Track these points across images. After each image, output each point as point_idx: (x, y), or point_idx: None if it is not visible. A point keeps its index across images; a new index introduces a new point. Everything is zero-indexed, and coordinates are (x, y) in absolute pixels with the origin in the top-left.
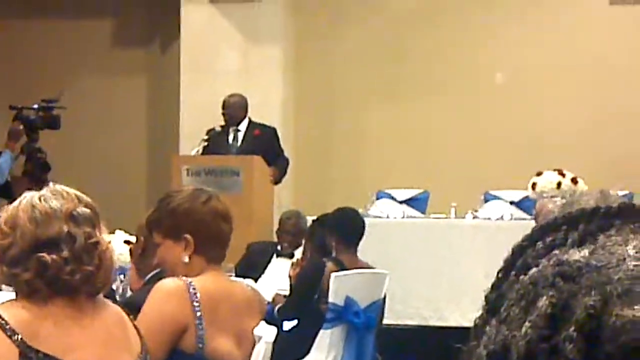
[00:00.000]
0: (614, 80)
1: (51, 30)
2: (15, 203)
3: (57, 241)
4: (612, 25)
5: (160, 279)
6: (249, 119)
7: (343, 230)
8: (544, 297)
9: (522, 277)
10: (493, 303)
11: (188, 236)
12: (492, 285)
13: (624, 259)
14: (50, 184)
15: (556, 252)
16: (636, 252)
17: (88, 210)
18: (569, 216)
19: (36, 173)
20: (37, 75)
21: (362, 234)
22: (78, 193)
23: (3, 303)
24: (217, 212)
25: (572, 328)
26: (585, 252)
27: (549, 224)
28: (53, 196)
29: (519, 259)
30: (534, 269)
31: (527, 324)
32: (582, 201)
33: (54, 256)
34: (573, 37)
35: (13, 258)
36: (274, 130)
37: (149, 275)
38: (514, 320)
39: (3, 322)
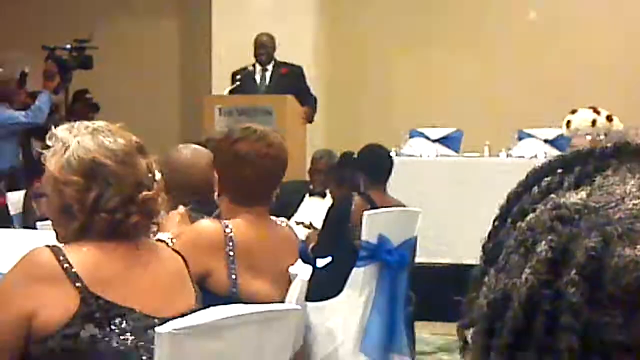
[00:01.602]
0: None
1: None
2: (68, 151)
3: (143, 178)
4: None
5: (201, 211)
6: (275, 58)
7: (370, 166)
8: (543, 242)
9: (519, 223)
10: (490, 252)
11: (216, 174)
12: (489, 234)
13: (623, 198)
14: (75, 124)
15: (553, 195)
16: (635, 191)
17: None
18: (564, 159)
19: (86, 113)
20: (69, 16)
21: (390, 171)
22: (112, 126)
23: (71, 245)
24: (238, 154)
25: (574, 271)
26: (583, 194)
27: (543, 168)
28: (103, 133)
29: (515, 205)
30: (531, 215)
31: (527, 270)
32: (630, 136)
33: (150, 192)
34: None
35: (116, 206)
36: (300, 68)
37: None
38: (513, 267)
39: (69, 266)
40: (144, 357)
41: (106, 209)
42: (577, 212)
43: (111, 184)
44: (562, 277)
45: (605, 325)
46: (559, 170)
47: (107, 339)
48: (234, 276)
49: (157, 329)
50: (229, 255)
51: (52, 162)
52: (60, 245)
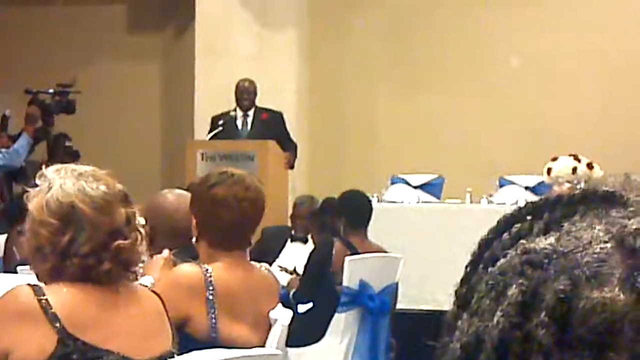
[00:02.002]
0: (631, 66)
1: (67, 15)
2: (42, 193)
3: (121, 226)
4: (629, 11)
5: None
6: (255, 104)
7: (350, 211)
8: (514, 286)
9: (490, 269)
10: (463, 297)
11: (193, 219)
12: (461, 280)
13: (590, 242)
14: (58, 166)
15: (523, 241)
16: (602, 236)
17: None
18: (533, 206)
19: (65, 161)
20: (53, 60)
21: (370, 216)
22: (100, 171)
23: (51, 286)
24: (215, 198)
25: (543, 314)
26: (552, 239)
27: (513, 215)
28: (87, 179)
29: (486, 251)
30: (502, 260)
31: (498, 313)
32: (605, 184)
33: (126, 241)
34: (589, 22)
35: (88, 252)
36: (280, 114)
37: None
38: (485, 311)
39: (48, 306)
40: None
41: (78, 253)
42: (546, 256)
43: (85, 230)
44: (532, 319)
45: None
46: (529, 217)
47: None
48: (213, 320)
49: None
50: (209, 299)
51: (33, 201)
52: (41, 284)
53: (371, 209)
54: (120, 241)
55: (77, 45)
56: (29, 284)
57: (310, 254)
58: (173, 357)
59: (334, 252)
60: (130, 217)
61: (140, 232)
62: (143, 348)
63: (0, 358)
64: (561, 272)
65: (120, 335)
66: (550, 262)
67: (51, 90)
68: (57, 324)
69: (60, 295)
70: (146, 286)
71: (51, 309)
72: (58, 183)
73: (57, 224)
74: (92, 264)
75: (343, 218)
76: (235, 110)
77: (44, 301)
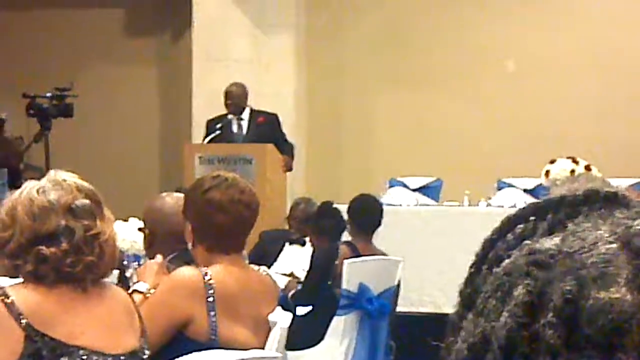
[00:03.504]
0: (628, 68)
1: (64, 19)
2: (16, 194)
3: (55, 235)
4: (626, 13)
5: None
6: (250, 107)
7: (360, 217)
8: (520, 286)
9: (495, 269)
10: (468, 298)
11: (189, 224)
12: (465, 280)
13: (595, 243)
14: (52, 171)
15: (527, 242)
16: (607, 236)
17: (87, 202)
18: (537, 206)
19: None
20: (50, 64)
21: (378, 222)
22: (79, 182)
23: (13, 285)
24: (211, 203)
25: (551, 314)
26: (557, 239)
27: (516, 216)
28: (53, 187)
29: (490, 252)
30: (507, 260)
31: (505, 313)
32: (573, 188)
33: (53, 249)
34: (586, 23)
35: (13, 251)
36: (276, 116)
37: (168, 258)
38: (491, 311)
39: (11, 304)
40: None
41: (6, 252)
42: (552, 257)
43: (17, 232)
44: (540, 319)
45: None
46: (532, 218)
47: None
48: (214, 323)
49: None
50: (209, 302)
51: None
52: (4, 285)
53: (381, 215)
54: (41, 247)
55: (74, 50)
56: None
57: (314, 257)
58: (143, 354)
59: (339, 256)
60: (73, 229)
61: (102, 247)
62: (112, 344)
63: None
64: (567, 272)
65: (88, 332)
66: (556, 263)
67: (49, 94)
68: (23, 322)
69: (22, 293)
70: (142, 292)
71: (15, 307)
72: (30, 186)
73: (5, 220)
74: (19, 264)
75: (351, 222)
76: (226, 114)
77: (7, 300)
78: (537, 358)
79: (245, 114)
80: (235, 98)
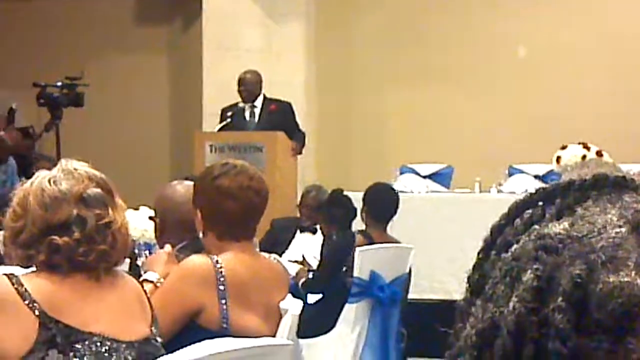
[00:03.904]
0: (637, 54)
1: (74, 8)
2: (27, 184)
3: (67, 224)
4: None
5: (187, 252)
6: (264, 95)
7: (376, 206)
8: (529, 271)
9: (503, 255)
10: (476, 283)
11: (198, 212)
12: (473, 266)
13: (605, 227)
14: (63, 161)
15: (535, 227)
16: (616, 220)
17: (99, 190)
18: (545, 191)
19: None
20: (60, 53)
21: (394, 212)
22: (90, 171)
23: (26, 274)
24: (221, 189)
25: (560, 298)
26: (565, 224)
27: (524, 201)
28: (64, 177)
29: (498, 237)
30: (515, 246)
31: (514, 299)
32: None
33: (66, 238)
34: (598, 10)
35: (26, 241)
36: (289, 104)
37: (175, 249)
38: (500, 297)
39: (25, 292)
40: None
41: (19, 242)
42: (560, 241)
43: (28, 221)
44: (549, 304)
45: (593, 350)
46: (540, 203)
47: None
48: (225, 311)
49: None
50: (220, 289)
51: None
52: (17, 273)
53: (397, 205)
54: (53, 237)
55: (85, 38)
56: (4, 274)
57: (328, 246)
58: (155, 341)
59: (354, 245)
60: (85, 219)
61: (114, 236)
62: (125, 331)
63: None
64: (576, 256)
65: (101, 319)
66: (564, 247)
67: (59, 83)
68: (37, 309)
69: (35, 281)
70: (152, 281)
71: (29, 295)
72: (42, 175)
73: (19, 210)
74: (31, 253)
75: (367, 210)
76: (243, 102)
77: (21, 289)
78: (546, 343)
79: (259, 102)
80: (249, 85)
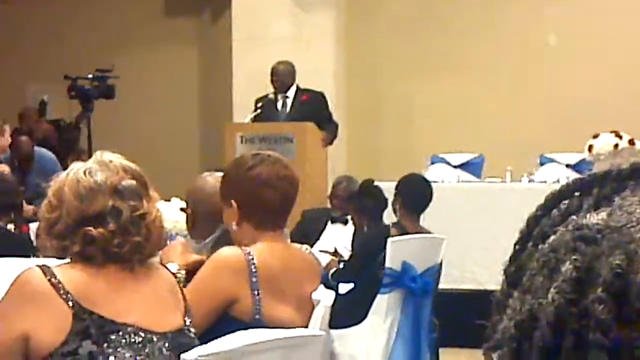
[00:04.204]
0: None
1: (105, 2)
2: (63, 175)
3: (102, 215)
4: None
5: (221, 243)
6: (297, 85)
7: (409, 197)
8: (568, 262)
9: (540, 246)
10: (513, 275)
11: (233, 202)
12: (510, 258)
13: None
14: (98, 153)
15: (573, 217)
16: None
17: (134, 182)
18: (581, 182)
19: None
20: (91, 46)
21: (427, 203)
22: (125, 162)
23: (59, 265)
24: (258, 179)
25: (600, 289)
26: (603, 214)
27: (561, 191)
28: (99, 168)
29: (534, 228)
30: (553, 237)
31: (552, 290)
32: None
33: (101, 230)
34: None
35: (61, 232)
36: (322, 95)
37: (208, 240)
38: (538, 288)
39: (59, 284)
40: None
41: (54, 233)
42: (599, 231)
43: (64, 213)
44: (588, 295)
45: (635, 340)
46: (577, 193)
47: (105, 354)
48: (258, 302)
49: (182, 355)
50: (252, 281)
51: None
52: (50, 264)
53: (431, 196)
54: (88, 228)
55: (115, 31)
56: (38, 265)
57: (358, 236)
58: (189, 332)
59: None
60: (120, 210)
61: (148, 228)
62: (159, 322)
63: (19, 344)
64: (615, 247)
65: (135, 311)
66: (603, 238)
67: (90, 76)
68: (70, 301)
69: (69, 273)
70: (173, 273)
71: (63, 286)
72: (77, 167)
73: (53, 202)
74: (66, 244)
75: (400, 201)
76: (275, 92)
77: (54, 280)
78: (587, 334)
79: (291, 92)
80: (281, 75)
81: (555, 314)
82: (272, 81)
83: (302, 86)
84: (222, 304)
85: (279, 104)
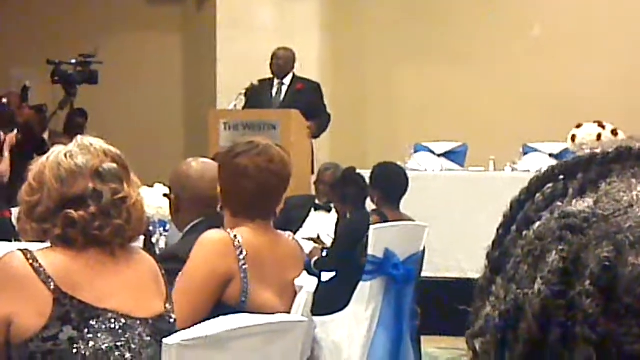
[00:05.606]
0: None
1: None
2: (43, 158)
3: (83, 198)
4: None
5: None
6: (294, 73)
7: (385, 184)
8: (554, 252)
9: (525, 232)
10: (496, 261)
11: (219, 188)
12: (493, 242)
13: (631, 205)
14: (79, 137)
15: (558, 203)
16: None
17: (114, 165)
18: (566, 165)
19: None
20: (74, 31)
21: (405, 190)
22: (106, 146)
23: (41, 249)
24: (237, 168)
25: (588, 282)
26: (590, 201)
27: (545, 175)
28: (80, 152)
29: (518, 213)
30: (537, 223)
31: (538, 280)
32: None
33: (81, 212)
34: None
35: (41, 215)
36: (317, 85)
37: (189, 226)
38: (523, 277)
39: (40, 267)
40: (127, 356)
41: (34, 216)
42: (585, 220)
43: (45, 196)
44: (576, 287)
45: (623, 335)
46: (561, 177)
47: (85, 340)
48: (245, 285)
49: (165, 340)
50: (240, 263)
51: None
52: (32, 248)
53: (407, 183)
54: (69, 210)
55: (98, 16)
56: (19, 249)
57: (341, 224)
58: (170, 318)
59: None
60: (101, 193)
61: (129, 211)
62: (140, 307)
63: (1, 328)
64: (603, 237)
65: (116, 296)
66: (590, 227)
67: (73, 61)
68: (52, 285)
69: (50, 257)
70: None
71: (44, 270)
72: (57, 150)
73: (33, 185)
74: (47, 227)
75: (377, 190)
76: (271, 77)
77: (36, 264)
78: (574, 327)
79: (287, 79)
80: (280, 60)
81: (541, 305)
82: (271, 65)
83: (298, 75)
84: (221, 283)
85: (274, 90)
